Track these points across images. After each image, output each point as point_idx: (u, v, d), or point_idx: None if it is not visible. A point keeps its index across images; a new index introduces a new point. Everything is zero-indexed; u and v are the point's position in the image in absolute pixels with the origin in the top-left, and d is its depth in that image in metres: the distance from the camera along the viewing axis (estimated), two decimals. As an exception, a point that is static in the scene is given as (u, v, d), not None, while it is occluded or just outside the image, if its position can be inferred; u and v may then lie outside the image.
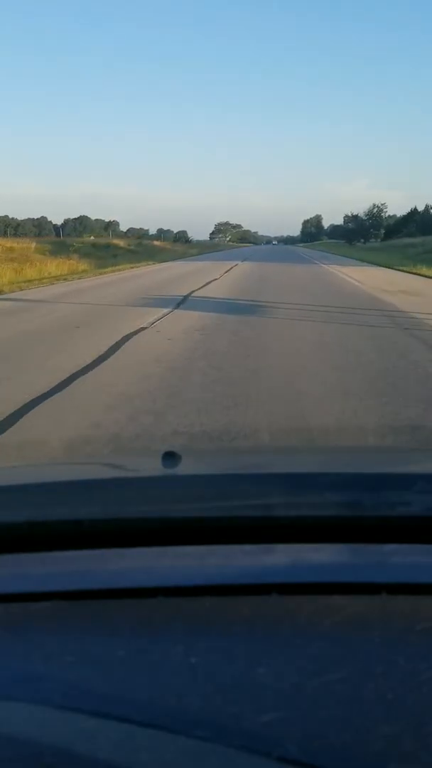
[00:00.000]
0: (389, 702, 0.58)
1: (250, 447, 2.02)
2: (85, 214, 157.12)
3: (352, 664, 0.63)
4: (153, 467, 1.12)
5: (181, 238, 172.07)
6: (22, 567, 0.83)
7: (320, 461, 1.27)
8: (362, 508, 0.87)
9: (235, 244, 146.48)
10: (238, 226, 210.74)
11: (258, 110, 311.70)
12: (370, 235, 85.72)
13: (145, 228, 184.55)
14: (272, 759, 0.51)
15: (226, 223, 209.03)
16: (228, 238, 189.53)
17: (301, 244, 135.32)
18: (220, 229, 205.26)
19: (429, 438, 3.86)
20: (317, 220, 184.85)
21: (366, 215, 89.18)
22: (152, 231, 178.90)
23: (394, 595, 0.73)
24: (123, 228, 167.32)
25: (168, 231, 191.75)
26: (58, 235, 74.44)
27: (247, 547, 0.84)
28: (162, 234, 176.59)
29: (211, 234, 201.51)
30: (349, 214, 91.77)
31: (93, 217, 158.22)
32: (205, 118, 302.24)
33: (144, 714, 0.56)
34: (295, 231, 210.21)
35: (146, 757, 0.50)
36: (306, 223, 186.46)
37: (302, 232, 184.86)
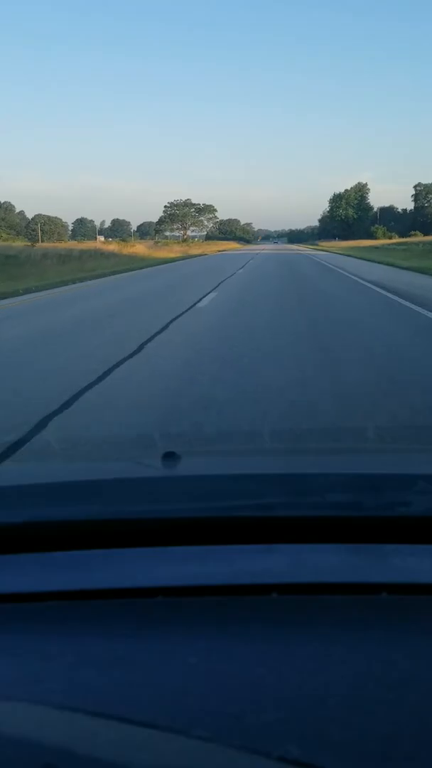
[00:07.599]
0: (389, 702, 0.58)
1: (250, 447, 2.02)
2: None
3: (352, 664, 0.63)
4: (153, 467, 1.12)
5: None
6: (22, 567, 0.83)
7: (320, 462, 1.26)
8: (362, 509, 0.87)
9: (185, 249, 55.05)
10: (209, 208, 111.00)
11: (256, 104, 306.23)
12: None
13: (90, 218, 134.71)
14: (272, 759, 0.51)
15: (186, 203, 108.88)
16: (190, 234, 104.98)
17: (339, 246, 61.34)
18: (175, 214, 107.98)
19: (429, 438, 3.86)
20: (360, 192, 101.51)
21: None
22: (107, 223, 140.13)
23: (394, 595, 0.73)
24: (29, 215, 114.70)
25: (125, 221, 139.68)
26: None
27: (247, 547, 0.84)
28: (118, 228, 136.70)
29: (156, 224, 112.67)
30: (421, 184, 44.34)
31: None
32: (199, 107, 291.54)
33: (144, 714, 0.56)
34: (299, 225, 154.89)
35: (146, 757, 0.50)
36: (337, 200, 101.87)
37: (331, 216, 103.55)
